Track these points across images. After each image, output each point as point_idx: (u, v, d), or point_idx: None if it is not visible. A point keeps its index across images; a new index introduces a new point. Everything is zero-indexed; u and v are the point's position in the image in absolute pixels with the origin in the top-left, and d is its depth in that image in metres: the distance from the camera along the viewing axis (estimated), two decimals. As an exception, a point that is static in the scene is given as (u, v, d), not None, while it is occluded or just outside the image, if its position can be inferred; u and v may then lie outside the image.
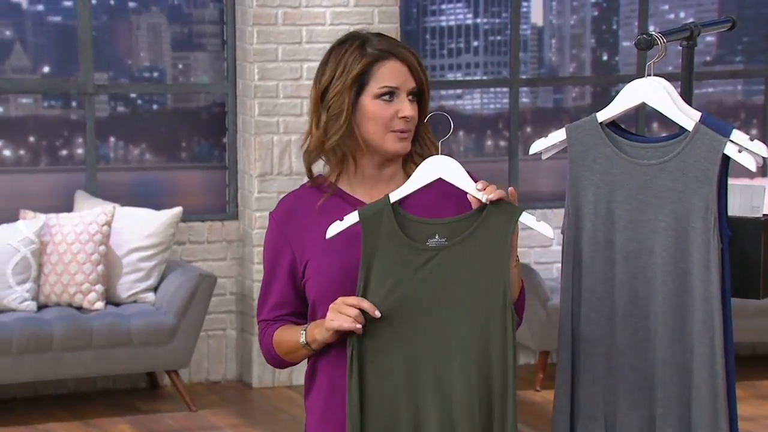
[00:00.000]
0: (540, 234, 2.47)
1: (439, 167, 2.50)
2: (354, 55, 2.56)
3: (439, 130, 2.61)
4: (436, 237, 2.46)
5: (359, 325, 2.43)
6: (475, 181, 2.48)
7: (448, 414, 2.44)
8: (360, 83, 2.55)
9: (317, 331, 2.52)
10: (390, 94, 2.55)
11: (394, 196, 2.50)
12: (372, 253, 2.46)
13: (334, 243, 2.53)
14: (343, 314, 2.44)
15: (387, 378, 2.45)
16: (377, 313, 2.43)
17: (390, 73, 2.55)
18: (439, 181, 2.53)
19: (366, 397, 2.46)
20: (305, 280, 2.58)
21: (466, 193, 2.48)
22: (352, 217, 2.50)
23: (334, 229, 2.51)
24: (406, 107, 2.55)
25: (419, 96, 2.59)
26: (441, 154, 2.52)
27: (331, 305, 2.47)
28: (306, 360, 2.63)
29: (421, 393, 2.45)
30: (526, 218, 2.46)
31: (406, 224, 2.48)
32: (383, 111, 2.55)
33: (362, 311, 2.44)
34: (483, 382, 2.43)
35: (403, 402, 2.45)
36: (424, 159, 2.56)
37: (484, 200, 2.44)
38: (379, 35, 2.60)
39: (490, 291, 2.43)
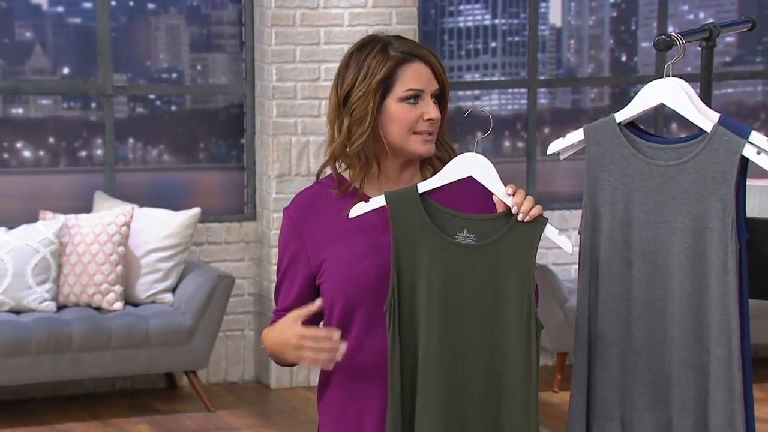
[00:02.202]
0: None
1: (472, 165, 2.49)
2: (377, 58, 2.54)
3: (475, 127, 2.59)
4: (465, 232, 2.45)
5: (339, 358, 2.44)
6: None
7: (460, 409, 2.43)
8: (385, 86, 2.54)
9: (276, 345, 2.53)
10: (415, 96, 2.54)
11: (423, 187, 2.48)
12: (401, 238, 2.44)
13: (355, 247, 2.53)
14: (319, 350, 2.44)
15: (410, 370, 2.44)
16: (341, 352, 2.43)
17: (415, 76, 2.54)
18: (466, 180, 2.52)
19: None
20: (321, 279, 2.57)
21: (492, 194, 2.47)
22: (379, 200, 2.48)
23: (358, 209, 2.49)
24: (432, 109, 2.55)
25: (441, 98, 2.59)
26: (476, 152, 2.50)
27: (298, 336, 2.46)
28: None
29: (439, 390, 2.44)
30: (549, 231, 2.47)
31: (435, 214, 2.46)
32: (408, 114, 2.54)
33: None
34: (498, 392, 2.43)
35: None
36: (442, 162, 2.56)
37: (519, 218, 2.44)
38: (399, 38, 2.59)
39: (514, 298, 2.43)
